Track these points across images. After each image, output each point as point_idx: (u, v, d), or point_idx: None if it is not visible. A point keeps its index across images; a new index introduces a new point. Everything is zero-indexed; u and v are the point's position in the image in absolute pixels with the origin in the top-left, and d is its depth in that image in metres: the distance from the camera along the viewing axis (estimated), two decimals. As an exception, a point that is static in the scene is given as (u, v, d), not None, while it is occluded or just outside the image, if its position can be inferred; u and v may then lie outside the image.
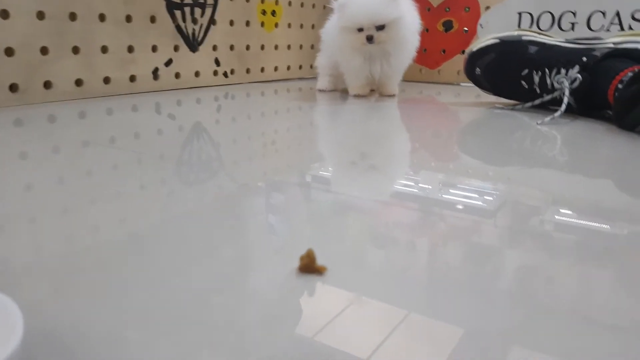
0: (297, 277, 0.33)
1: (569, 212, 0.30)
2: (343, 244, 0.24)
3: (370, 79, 1.12)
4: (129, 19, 1.07)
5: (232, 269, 0.21)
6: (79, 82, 1.00)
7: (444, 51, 1.47)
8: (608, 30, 1.13)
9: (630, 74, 0.72)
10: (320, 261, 0.23)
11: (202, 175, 0.37)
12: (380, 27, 1.01)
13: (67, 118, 0.83)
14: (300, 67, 1.59)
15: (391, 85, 1.15)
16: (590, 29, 1.16)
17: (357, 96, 1.14)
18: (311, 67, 1.61)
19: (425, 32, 1.49)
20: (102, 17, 1.02)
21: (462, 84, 1.46)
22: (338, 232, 0.26)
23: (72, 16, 0.97)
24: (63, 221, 0.28)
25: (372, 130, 0.68)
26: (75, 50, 0.98)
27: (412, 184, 0.37)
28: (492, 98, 1.07)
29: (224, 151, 0.48)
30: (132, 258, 0.23)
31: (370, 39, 1.01)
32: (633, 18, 1.08)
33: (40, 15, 0.92)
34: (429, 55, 1.49)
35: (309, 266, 0.32)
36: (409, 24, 1.05)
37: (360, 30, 1.02)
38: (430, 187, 0.35)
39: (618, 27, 1.11)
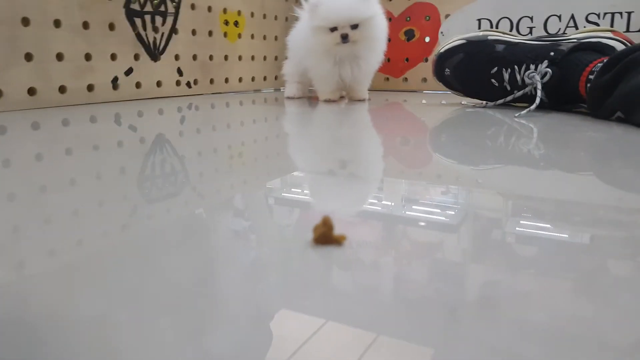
0: (312, 249, 0.30)
1: (544, 219, 0.28)
2: (313, 260, 0.21)
3: (340, 83, 1.11)
4: (86, 25, 1.03)
5: (197, 289, 0.18)
6: (32, 91, 0.94)
7: (407, 60, 1.48)
8: (564, 33, 1.16)
9: (599, 64, 0.73)
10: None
11: (166, 190, 0.34)
12: (354, 26, 1.01)
13: (19, 129, 0.77)
14: (265, 78, 1.56)
15: (361, 90, 1.15)
16: (547, 32, 1.19)
17: (328, 101, 1.13)
18: (276, 78, 1.59)
19: (388, 42, 1.50)
20: (57, 23, 0.97)
21: (426, 91, 1.47)
22: (308, 248, 0.23)
23: (25, 21, 0.92)
24: (11, 243, 0.24)
25: (344, 137, 0.66)
26: (28, 57, 0.93)
27: (387, 195, 0.34)
28: (460, 99, 1.08)
29: (189, 164, 0.44)
30: (88, 282, 0.19)
31: (345, 37, 1.00)
32: (587, 20, 1.12)
33: (-10, 19, 0.87)
34: (393, 64, 1.50)
35: (326, 236, 0.29)
36: (380, 24, 1.05)
37: (334, 29, 1.01)
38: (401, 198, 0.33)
39: (574, 29, 1.15)
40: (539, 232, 0.25)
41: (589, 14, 1.13)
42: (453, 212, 0.28)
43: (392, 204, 0.28)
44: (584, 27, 1.14)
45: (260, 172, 0.40)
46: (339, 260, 0.21)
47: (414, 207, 0.29)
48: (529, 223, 0.26)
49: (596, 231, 0.25)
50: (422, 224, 0.26)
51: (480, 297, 0.18)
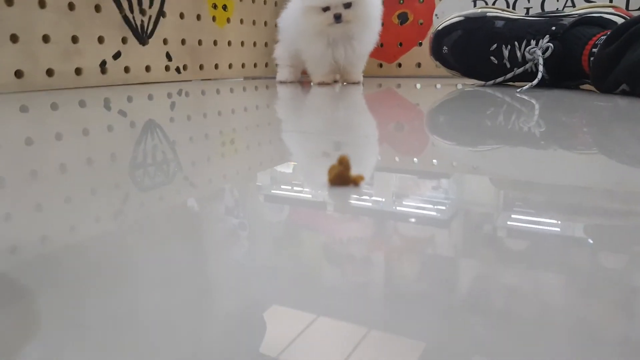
0: (328, 190, 0.28)
1: (539, 208, 0.26)
2: (303, 254, 0.20)
3: (334, 65, 1.09)
4: (71, 6, 0.99)
5: (189, 285, 0.16)
6: (19, 74, 0.91)
7: (400, 44, 1.46)
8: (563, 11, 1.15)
9: (603, 37, 0.71)
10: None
11: (158, 178, 0.32)
12: (347, 5, 0.98)
13: (7, 113, 0.74)
14: (255, 65, 1.54)
15: (356, 73, 1.13)
16: (544, 11, 1.18)
17: (322, 84, 1.11)
18: (266, 65, 1.57)
19: (381, 26, 1.48)
20: (42, 4, 0.94)
21: (421, 77, 1.46)
22: (303, 239, 0.22)
23: (9, 1, 0.88)
24: (2, 230, 0.22)
25: (338, 122, 0.64)
26: (14, 38, 0.90)
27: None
28: (455, 82, 1.06)
29: (181, 151, 0.42)
30: (82, 270, 0.17)
31: (338, 17, 0.98)
32: (586, 0, 1.11)
33: (-28, -2, 0.83)
34: (386, 49, 1.48)
35: (343, 176, 0.27)
36: (375, 2, 1.03)
37: (326, 9, 0.99)
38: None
39: (571, 9, 1.14)
40: (533, 224, 0.23)
41: (586, -8, 1.11)
42: (444, 206, 0.26)
43: (383, 199, 0.26)
44: (582, 4, 1.12)
45: (252, 160, 0.39)
46: (331, 254, 0.20)
47: (404, 201, 0.27)
48: (522, 213, 0.25)
49: (592, 220, 0.24)
50: (413, 218, 0.24)
51: (471, 290, 0.16)
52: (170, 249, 0.19)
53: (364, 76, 1.19)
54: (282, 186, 0.30)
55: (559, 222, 0.23)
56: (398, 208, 0.25)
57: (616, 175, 0.32)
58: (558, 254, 0.19)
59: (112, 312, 0.15)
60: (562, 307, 0.15)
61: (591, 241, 0.21)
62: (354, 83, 1.14)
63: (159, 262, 0.18)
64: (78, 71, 1.02)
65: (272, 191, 0.28)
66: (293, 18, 1.09)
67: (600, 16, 0.79)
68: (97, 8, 1.04)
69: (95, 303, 0.16)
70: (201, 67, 1.33)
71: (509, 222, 0.23)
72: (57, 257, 0.19)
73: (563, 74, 0.80)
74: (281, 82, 1.22)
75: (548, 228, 0.22)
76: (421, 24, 1.42)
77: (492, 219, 0.24)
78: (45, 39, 0.95)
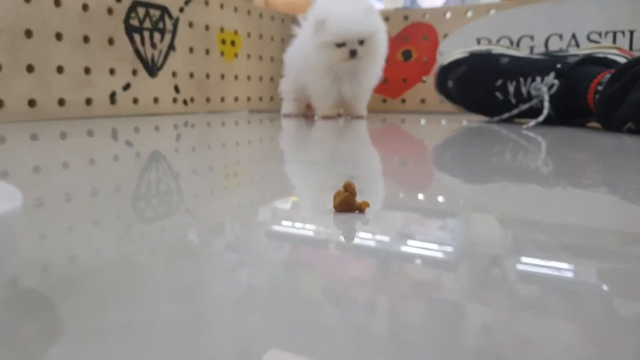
0: (334, 218, 0.28)
1: (548, 250, 0.25)
2: (303, 296, 0.20)
3: (339, 100, 1.10)
4: (86, 39, 1.01)
5: (188, 318, 0.17)
6: (32, 103, 0.92)
7: (404, 80, 1.49)
8: (567, 50, 1.17)
9: (608, 75, 0.73)
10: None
11: (161, 210, 0.32)
12: (362, 42, 1.00)
13: (18, 140, 0.75)
14: (261, 98, 1.56)
15: (360, 107, 1.14)
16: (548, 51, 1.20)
17: (326, 117, 1.12)
18: (271, 99, 1.59)
19: (385, 63, 1.51)
20: (58, 36, 0.96)
21: (426, 112, 1.48)
22: (302, 279, 0.21)
23: (28, 33, 0.90)
24: (3, 258, 0.23)
25: (344, 155, 0.64)
26: (30, 68, 0.91)
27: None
28: (460, 118, 1.08)
29: (184, 183, 0.43)
30: (82, 300, 0.18)
31: (354, 53, 0.99)
32: (589, 39, 1.13)
33: (-9, 30, 0.85)
34: (390, 85, 1.50)
35: (349, 202, 0.27)
36: (384, 40, 1.06)
37: (342, 45, 1.00)
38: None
39: (575, 48, 1.16)
40: (542, 267, 0.23)
41: (591, 32, 1.14)
42: (450, 246, 0.25)
43: (387, 239, 0.26)
44: (586, 45, 1.15)
45: (254, 194, 0.39)
46: (331, 295, 0.19)
47: (409, 240, 0.26)
48: (531, 255, 0.24)
49: (605, 264, 0.23)
50: (418, 259, 0.24)
51: (478, 338, 0.16)
52: (166, 285, 0.19)
53: (368, 111, 1.21)
54: (283, 221, 0.29)
55: (570, 265, 0.22)
56: (402, 248, 0.25)
57: (627, 215, 0.32)
58: (570, 300, 0.19)
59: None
60: (575, 359, 0.14)
61: (605, 287, 0.20)
62: (357, 117, 1.15)
63: (149, 300, 0.18)
64: (88, 101, 1.03)
65: (273, 226, 0.28)
66: (300, 53, 1.11)
67: (605, 56, 0.81)
68: (111, 41, 1.07)
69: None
70: (208, 99, 1.35)
71: (517, 265, 0.22)
72: (58, 285, 0.19)
73: (569, 111, 0.82)
74: (286, 115, 1.23)
75: (559, 272, 0.22)
76: (425, 61, 1.45)
77: (501, 261, 0.23)
78: (60, 69, 0.97)
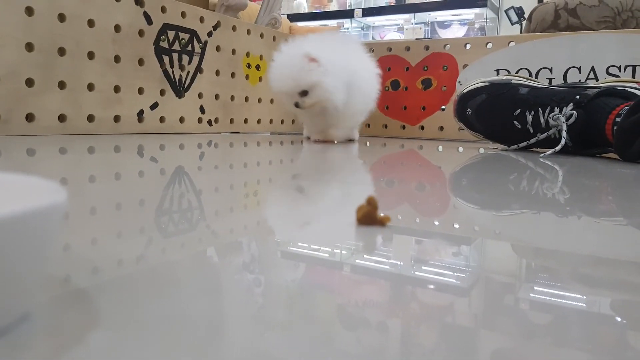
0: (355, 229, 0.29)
1: (563, 280, 0.24)
2: (317, 318, 0.20)
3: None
4: (117, 59, 1.05)
5: (203, 333, 0.17)
6: (62, 118, 0.96)
7: (423, 108, 1.51)
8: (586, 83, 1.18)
9: (626, 107, 0.74)
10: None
11: (182, 226, 0.33)
12: (303, 93, 1.00)
13: (47, 153, 0.78)
14: (282, 121, 1.59)
15: (342, 133, 1.16)
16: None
17: (317, 142, 1.15)
18: (293, 122, 1.62)
19: (405, 90, 1.53)
20: (90, 55, 1.00)
21: (444, 140, 1.49)
22: (317, 300, 0.22)
23: (61, 51, 0.95)
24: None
25: (360, 177, 0.66)
26: (62, 85, 0.95)
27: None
28: (477, 146, 1.09)
29: (205, 200, 0.44)
30: (105, 309, 0.19)
31: (297, 105, 1.01)
32: (608, 73, 1.14)
33: (29, 47, 0.89)
34: (410, 112, 1.53)
35: (371, 216, 0.28)
36: (333, 85, 1.01)
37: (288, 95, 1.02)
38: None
39: (594, 81, 1.17)
40: (557, 297, 0.22)
41: (610, 66, 1.15)
42: (465, 273, 0.25)
43: (401, 263, 0.26)
44: (605, 78, 1.16)
45: (273, 214, 0.39)
46: (345, 318, 0.19)
47: (423, 266, 0.26)
48: (546, 285, 0.24)
49: (620, 295, 0.22)
50: (431, 284, 0.24)
51: None
52: (182, 300, 0.19)
53: (389, 137, 1.22)
54: (300, 243, 0.29)
55: (585, 296, 0.22)
56: (416, 273, 0.25)
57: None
58: (584, 331, 0.18)
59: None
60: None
61: (619, 318, 0.20)
62: (349, 140, 1.18)
63: (169, 311, 0.18)
64: (117, 118, 1.07)
65: (289, 248, 0.28)
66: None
67: (624, 89, 0.82)
68: (141, 62, 1.11)
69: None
70: (232, 120, 1.38)
71: (531, 294, 0.22)
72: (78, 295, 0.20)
73: (586, 141, 0.82)
74: (308, 139, 1.25)
75: (573, 302, 0.21)
76: (444, 89, 1.47)
77: (515, 289, 0.23)
78: (90, 87, 1.00)
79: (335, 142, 1.15)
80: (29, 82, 0.90)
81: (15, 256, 0.14)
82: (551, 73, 1.22)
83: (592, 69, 1.16)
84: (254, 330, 0.17)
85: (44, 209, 0.14)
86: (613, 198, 0.53)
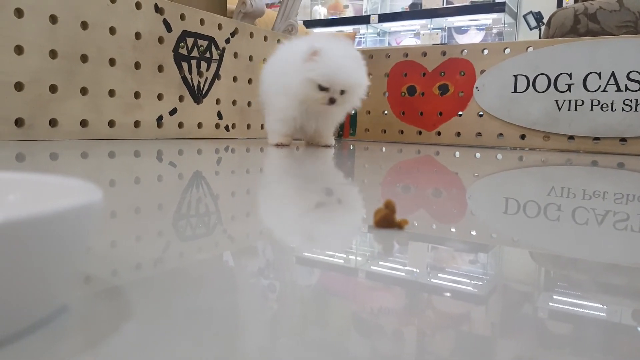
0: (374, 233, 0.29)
1: (582, 289, 0.24)
2: (331, 323, 0.20)
3: (295, 130, 1.10)
4: (137, 65, 1.07)
5: (219, 338, 0.17)
6: (84, 123, 0.98)
7: (440, 114, 1.51)
8: (605, 90, 1.17)
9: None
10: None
11: (199, 230, 0.34)
12: (343, 92, 1.00)
13: (69, 157, 0.80)
14: (299, 127, 1.60)
15: (326, 137, 1.15)
16: (586, 89, 1.20)
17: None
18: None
19: (421, 96, 1.53)
20: (112, 62, 1.02)
21: (460, 145, 1.48)
22: (332, 307, 0.21)
23: (84, 58, 0.97)
24: None
25: (384, 182, 0.66)
26: (84, 91, 0.97)
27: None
28: (495, 151, 1.08)
29: (222, 204, 0.44)
30: (121, 312, 0.19)
31: (333, 101, 0.99)
32: (629, 78, 1.13)
33: (53, 54, 0.91)
34: (426, 118, 1.52)
35: (389, 219, 0.29)
36: (362, 94, 1.05)
37: (324, 89, 0.98)
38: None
39: (615, 87, 1.16)
40: (576, 306, 0.22)
41: (631, 71, 1.14)
42: (482, 281, 0.25)
43: (418, 270, 0.25)
44: (625, 85, 1.14)
45: (289, 218, 0.40)
46: (360, 325, 0.19)
47: (440, 273, 0.26)
48: (565, 294, 0.23)
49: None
50: (448, 292, 0.23)
51: None
52: (196, 306, 0.19)
53: (404, 142, 1.22)
54: (315, 249, 0.29)
55: (605, 305, 0.22)
56: (433, 280, 0.24)
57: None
58: (603, 339, 0.18)
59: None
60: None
61: None
62: (325, 146, 1.15)
63: (186, 312, 0.18)
64: (137, 124, 1.08)
65: (304, 253, 0.28)
66: (279, 72, 1.06)
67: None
68: (160, 68, 1.12)
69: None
70: (248, 126, 1.39)
71: (550, 303, 0.22)
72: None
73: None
74: (277, 145, 1.24)
75: (593, 311, 0.21)
76: (461, 95, 1.47)
77: (533, 298, 0.23)
78: (111, 93, 1.02)
79: (331, 146, 1.15)
80: (52, 89, 0.92)
81: (55, 250, 0.15)
82: (570, 79, 1.21)
83: (613, 74, 1.15)
84: (269, 333, 0.18)
85: (81, 206, 0.15)
86: (633, 205, 0.52)
